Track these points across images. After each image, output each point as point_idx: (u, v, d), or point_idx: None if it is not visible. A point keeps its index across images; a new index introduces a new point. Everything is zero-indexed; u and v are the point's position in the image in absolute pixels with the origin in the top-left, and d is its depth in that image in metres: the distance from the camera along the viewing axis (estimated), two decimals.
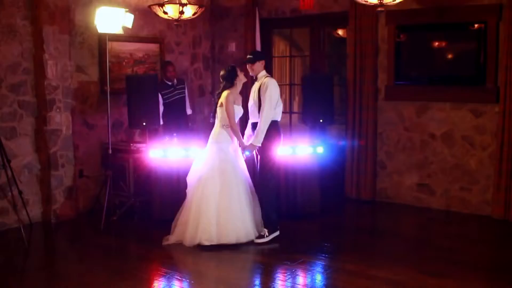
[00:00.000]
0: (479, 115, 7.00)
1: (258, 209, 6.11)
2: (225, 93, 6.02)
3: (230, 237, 5.81)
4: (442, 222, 6.96)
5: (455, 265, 5.32)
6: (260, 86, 6.09)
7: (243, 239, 5.88)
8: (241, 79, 6.14)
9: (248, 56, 6.32)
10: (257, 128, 6.00)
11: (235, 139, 6.08)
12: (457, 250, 5.80)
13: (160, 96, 7.42)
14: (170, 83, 7.70)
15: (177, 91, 7.74)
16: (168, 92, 7.64)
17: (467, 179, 7.13)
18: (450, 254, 5.66)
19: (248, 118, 6.33)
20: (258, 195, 6.14)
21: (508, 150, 6.64)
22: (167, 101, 7.60)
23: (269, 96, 5.97)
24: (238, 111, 6.08)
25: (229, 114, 5.97)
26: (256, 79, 6.25)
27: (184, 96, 7.85)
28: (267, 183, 6.11)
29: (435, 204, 7.37)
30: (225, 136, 6.04)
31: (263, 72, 6.21)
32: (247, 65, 6.25)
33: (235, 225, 5.85)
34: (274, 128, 6.06)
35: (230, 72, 6.09)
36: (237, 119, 6.08)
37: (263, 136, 5.98)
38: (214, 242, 5.75)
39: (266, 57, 6.56)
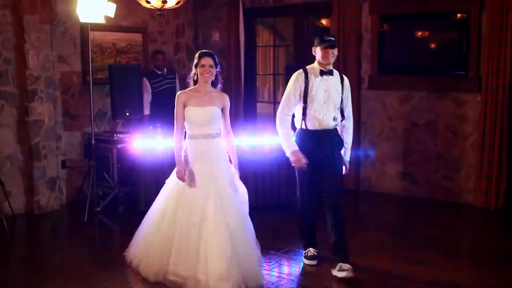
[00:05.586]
0: (461, 104, 7.05)
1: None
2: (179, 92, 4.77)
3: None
4: (425, 210, 7.01)
5: (438, 253, 5.38)
6: (343, 83, 4.93)
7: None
8: (199, 74, 4.58)
9: (328, 38, 4.71)
10: (351, 138, 5.21)
11: (215, 153, 4.60)
12: (440, 238, 5.86)
13: (149, 84, 7.40)
14: (159, 72, 7.65)
15: (166, 81, 7.68)
16: (157, 81, 7.59)
17: (449, 167, 7.20)
18: (433, 242, 5.72)
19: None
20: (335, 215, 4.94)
21: (489, 139, 6.71)
22: (155, 90, 7.55)
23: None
24: (197, 114, 4.54)
25: (175, 116, 4.60)
26: (325, 74, 4.83)
27: (175, 87, 7.76)
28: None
29: (418, 193, 7.42)
30: (189, 149, 4.62)
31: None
32: (329, 51, 4.71)
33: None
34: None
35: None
36: (195, 125, 4.55)
37: None
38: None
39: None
